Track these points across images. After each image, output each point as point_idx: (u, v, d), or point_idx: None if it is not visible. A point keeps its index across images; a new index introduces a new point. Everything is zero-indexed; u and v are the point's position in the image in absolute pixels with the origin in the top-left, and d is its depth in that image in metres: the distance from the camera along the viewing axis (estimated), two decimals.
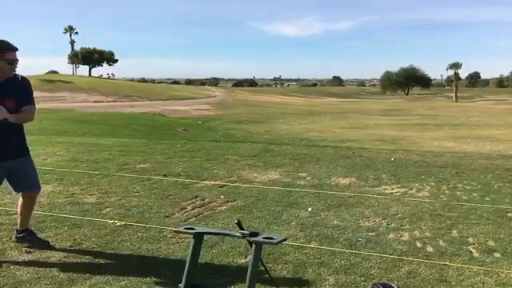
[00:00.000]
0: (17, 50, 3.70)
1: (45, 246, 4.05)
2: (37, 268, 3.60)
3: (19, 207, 4.11)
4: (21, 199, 4.10)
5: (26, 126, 3.99)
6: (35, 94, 3.98)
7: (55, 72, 78.98)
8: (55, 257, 3.85)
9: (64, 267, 3.63)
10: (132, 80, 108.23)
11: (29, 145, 4.05)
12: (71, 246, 4.08)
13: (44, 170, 6.83)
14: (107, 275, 3.49)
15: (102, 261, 3.80)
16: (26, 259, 3.79)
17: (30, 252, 3.94)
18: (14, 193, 4.33)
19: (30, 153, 4.06)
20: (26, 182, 4.01)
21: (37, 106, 4.01)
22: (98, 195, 5.87)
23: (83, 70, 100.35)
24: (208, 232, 2.64)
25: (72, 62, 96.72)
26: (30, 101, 3.87)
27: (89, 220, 4.83)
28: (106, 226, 4.63)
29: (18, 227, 4.14)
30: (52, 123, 17.17)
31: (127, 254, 3.95)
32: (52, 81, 50.28)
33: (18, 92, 3.78)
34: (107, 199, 5.69)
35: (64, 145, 10.46)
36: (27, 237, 4.09)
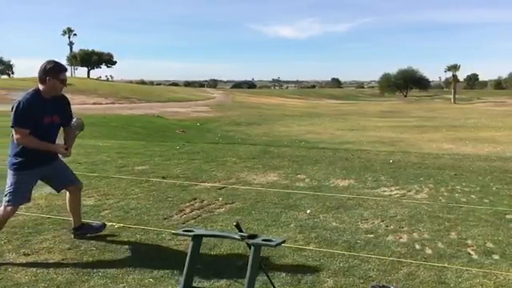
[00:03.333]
0: (67, 70, 3.95)
1: (104, 226, 4.46)
2: (35, 270, 3.60)
3: (68, 206, 4.34)
4: (68, 197, 4.31)
5: None
6: None
7: None
8: (53, 259, 3.84)
9: (62, 269, 3.63)
10: (131, 82, 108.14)
11: None
12: (69, 249, 4.08)
13: None
14: (105, 278, 3.49)
15: (100, 263, 3.79)
16: (24, 261, 3.79)
17: (28, 254, 3.93)
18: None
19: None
20: (68, 178, 4.24)
21: None
22: (97, 197, 5.87)
23: (82, 71, 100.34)
24: (207, 234, 2.64)
25: (71, 64, 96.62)
26: (71, 119, 4.16)
27: (87, 222, 4.82)
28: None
29: (74, 225, 4.35)
30: None
31: (126, 257, 3.95)
32: None
33: (62, 109, 4.09)
34: (105, 201, 5.68)
35: None
36: (86, 230, 4.35)
